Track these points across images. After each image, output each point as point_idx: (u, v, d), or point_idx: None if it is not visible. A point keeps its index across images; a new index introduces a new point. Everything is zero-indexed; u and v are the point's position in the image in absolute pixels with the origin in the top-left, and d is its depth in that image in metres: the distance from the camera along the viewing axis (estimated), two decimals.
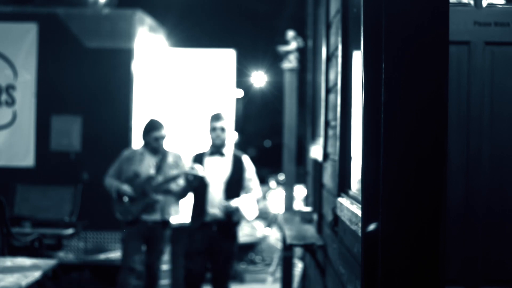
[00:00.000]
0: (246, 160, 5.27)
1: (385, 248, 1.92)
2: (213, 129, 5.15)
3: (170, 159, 5.57)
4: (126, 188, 5.45)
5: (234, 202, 5.04)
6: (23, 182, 6.85)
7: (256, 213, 5.21)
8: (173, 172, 5.46)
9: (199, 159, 5.20)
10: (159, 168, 5.52)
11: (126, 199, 5.43)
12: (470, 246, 2.95)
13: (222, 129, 5.13)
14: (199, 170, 4.96)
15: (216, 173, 5.15)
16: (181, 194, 5.31)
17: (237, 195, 5.14)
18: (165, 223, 5.61)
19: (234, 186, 5.15)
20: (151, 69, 7.46)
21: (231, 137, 5.24)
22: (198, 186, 5.05)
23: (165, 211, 5.55)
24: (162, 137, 5.52)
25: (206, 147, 5.30)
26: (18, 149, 6.96)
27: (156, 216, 5.50)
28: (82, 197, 6.51)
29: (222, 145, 5.18)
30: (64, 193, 6.55)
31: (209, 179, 5.11)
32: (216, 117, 5.18)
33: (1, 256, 4.57)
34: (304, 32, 7.39)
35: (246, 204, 5.13)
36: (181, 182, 5.34)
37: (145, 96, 7.26)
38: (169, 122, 7.54)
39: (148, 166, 5.52)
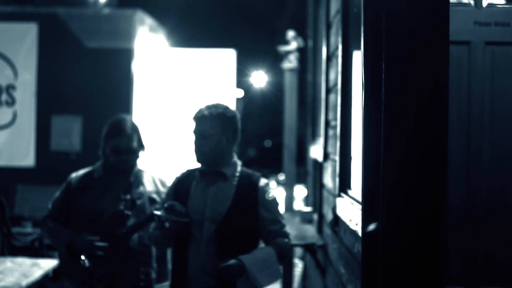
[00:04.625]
0: (263, 185, 2.92)
1: (385, 248, 1.92)
2: (195, 135, 2.93)
3: (148, 186, 3.32)
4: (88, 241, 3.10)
5: (236, 262, 2.71)
6: (23, 182, 6.86)
7: (280, 274, 2.87)
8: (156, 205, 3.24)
9: (184, 183, 2.98)
10: (131, 200, 3.22)
11: (85, 261, 3.11)
12: (471, 245, 2.95)
13: (202, 135, 2.89)
14: (178, 210, 2.79)
15: (208, 208, 2.86)
16: (156, 245, 3.07)
17: (244, 248, 2.80)
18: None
19: (237, 231, 2.83)
20: (151, 69, 7.46)
21: (234, 146, 3.00)
22: (178, 234, 2.87)
23: (146, 269, 3.27)
24: (127, 148, 3.23)
25: (187, 164, 3.19)
26: (18, 149, 6.96)
27: (134, 281, 3.22)
28: None
29: (217, 160, 2.92)
30: None
31: (196, 220, 2.85)
32: (199, 113, 2.93)
33: (1, 256, 4.57)
34: (304, 32, 7.39)
35: (260, 263, 2.75)
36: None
37: (145, 96, 7.26)
38: (168, 125, 7.55)
39: (113, 198, 3.23)
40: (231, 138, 2.92)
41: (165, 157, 7.16)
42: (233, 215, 2.82)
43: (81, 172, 3.36)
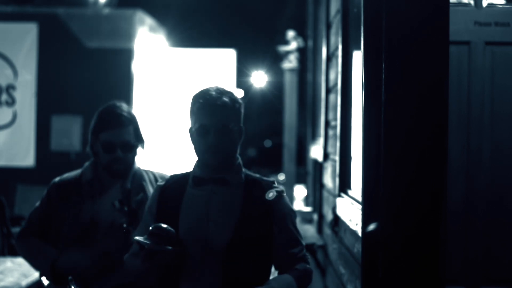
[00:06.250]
0: (277, 195, 2.16)
1: (385, 248, 1.92)
2: (202, 130, 2.12)
3: (151, 191, 2.56)
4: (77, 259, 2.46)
5: None
6: (23, 182, 6.86)
7: None
8: None
9: (171, 195, 2.19)
10: (130, 212, 2.50)
11: (72, 286, 2.43)
12: (471, 245, 2.95)
13: (226, 129, 2.11)
14: (167, 236, 2.03)
15: (211, 229, 2.11)
16: (136, 278, 2.16)
17: (256, 279, 2.09)
18: None
19: (248, 257, 2.10)
20: (151, 69, 7.46)
21: (239, 144, 2.22)
22: (166, 267, 2.08)
23: None
24: (123, 144, 2.55)
25: (188, 167, 2.28)
26: (18, 149, 6.96)
27: None
28: None
29: (223, 163, 2.16)
30: None
31: (192, 246, 2.09)
32: (217, 100, 2.13)
33: (1, 256, 4.58)
34: (304, 32, 7.39)
35: None
36: None
37: (145, 96, 7.26)
38: (169, 125, 7.55)
39: (108, 205, 2.53)
40: (242, 134, 2.23)
41: (165, 159, 7.16)
42: (243, 237, 2.08)
43: (67, 175, 2.69)
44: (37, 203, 2.70)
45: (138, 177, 2.62)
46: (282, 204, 2.17)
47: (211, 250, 2.07)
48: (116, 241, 2.44)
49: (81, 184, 2.59)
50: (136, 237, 2.04)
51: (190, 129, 2.18)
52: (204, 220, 2.11)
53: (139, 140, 2.63)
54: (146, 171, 2.68)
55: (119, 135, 2.54)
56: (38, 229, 2.62)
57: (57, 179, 2.68)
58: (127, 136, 2.56)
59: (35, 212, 2.67)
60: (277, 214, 2.14)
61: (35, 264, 2.64)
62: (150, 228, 2.04)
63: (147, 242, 1.99)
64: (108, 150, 2.53)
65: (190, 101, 2.22)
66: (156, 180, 2.65)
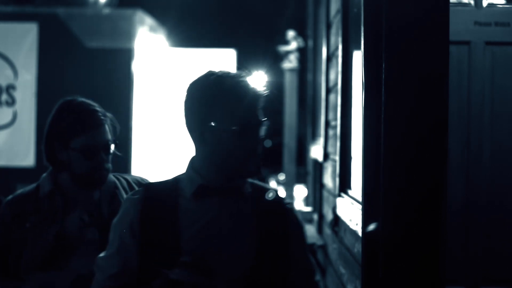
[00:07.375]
0: (290, 207, 1.79)
1: (385, 248, 1.92)
2: (246, 130, 1.66)
3: (124, 196, 2.13)
4: None
5: None
6: (23, 182, 6.84)
7: None
8: None
9: (159, 209, 1.66)
10: (103, 222, 2.08)
11: None
12: (471, 245, 2.95)
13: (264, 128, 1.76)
14: (203, 266, 1.59)
15: (225, 250, 1.65)
16: None
17: None
18: None
19: (270, 284, 1.66)
20: (151, 69, 7.46)
21: None
22: None
23: None
24: (105, 146, 2.14)
25: (181, 170, 1.77)
26: (18, 149, 6.96)
27: None
28: None
29: (254, 173, 1.70)
30: None
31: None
32: (251, 92, 1.76)
33: None
34: (305, 32, 7.40)
35: None
36: None
37: (145, 96, 7.26)
38: (169, 126, 7.55)
39: (75, 221, 2.12)
40: None
41: (165, 160, 7.16)
42: (266, 260, 1.66)
43: (21, 191, 2.20)
44: None
45: (109, 184, 2.16)
46: (296, 218, 1.77)
47: (227, 281, 1.62)
48: (92, 260, 1.82)
49: (38, 199, 2.12)
50: (166, 272, 1.56)
51: (219, 127, 1.62)
52: (215, 243, 1.63)
53: (114, 136, 2.19)
54: (116, 176, 2.24)
55: (100, 135, 2.10)
56: None
57: (9, 197, 2.19)
58: (107, 135, 2.13)
59: None
60: (294, 231, 1.74)
61: None
62: (184, 258, 1.57)
63: (182, 276, 1.56)
64: (90, 156, 2.07)
65: (207, 89, 1.65)
66: (131, 187, 2.21)
